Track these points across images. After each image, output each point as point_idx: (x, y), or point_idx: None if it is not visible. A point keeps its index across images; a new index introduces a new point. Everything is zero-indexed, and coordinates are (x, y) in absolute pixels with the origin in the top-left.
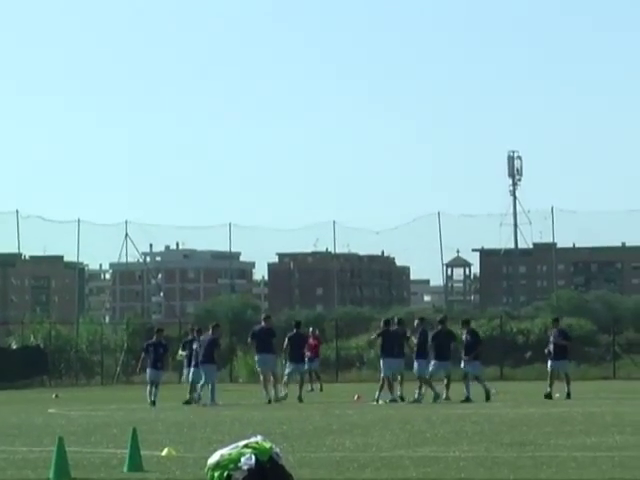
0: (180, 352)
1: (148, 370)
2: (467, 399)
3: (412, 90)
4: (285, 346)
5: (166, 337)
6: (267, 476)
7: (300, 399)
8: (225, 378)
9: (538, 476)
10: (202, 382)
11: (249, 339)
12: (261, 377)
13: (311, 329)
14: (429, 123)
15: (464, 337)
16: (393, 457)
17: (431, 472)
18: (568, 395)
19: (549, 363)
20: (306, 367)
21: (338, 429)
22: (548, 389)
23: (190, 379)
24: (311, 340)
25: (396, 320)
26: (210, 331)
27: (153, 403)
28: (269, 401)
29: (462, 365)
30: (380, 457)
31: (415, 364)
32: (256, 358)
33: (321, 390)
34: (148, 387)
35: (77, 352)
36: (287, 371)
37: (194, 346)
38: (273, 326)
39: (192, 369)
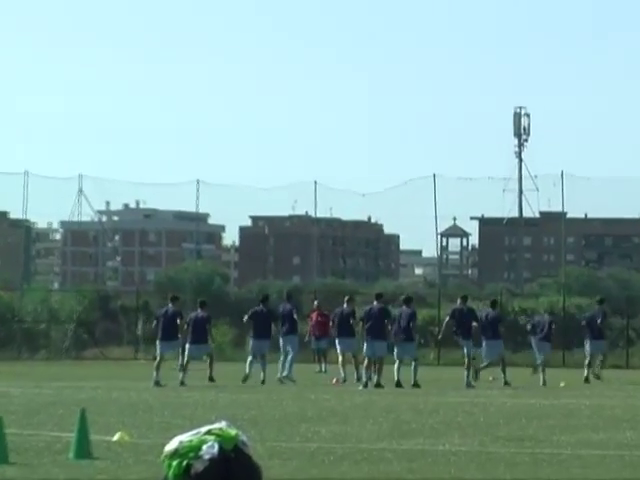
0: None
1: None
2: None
3: (405, 38)
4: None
5: (123, 307)
6: (231, 467)
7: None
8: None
9: (537, 475)
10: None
11: (330, 322)
12: (340, 358)
13: (316, 303)
14: (425, 74)
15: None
16: (374, 450)
17: (417, 467)
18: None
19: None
20: (313, 346)
21: (313, 416)
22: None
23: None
24: (316, 316)
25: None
26: (199, 309)
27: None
28: (344, 380)
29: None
30: (360, 449)
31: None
32: (337, 341)
33: (326, 372)
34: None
35: (21, 322)
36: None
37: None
38: (355, 308)
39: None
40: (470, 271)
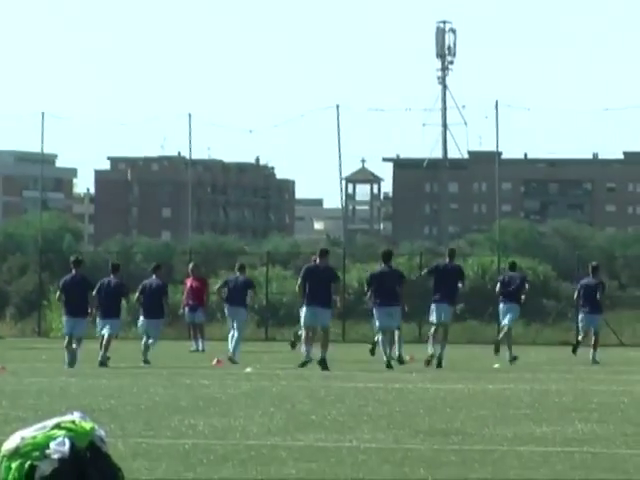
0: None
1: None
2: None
3: None
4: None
5: None
6: (85, 468)
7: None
8: (33, 331)
9: (466, 476)
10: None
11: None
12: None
13: (191, 265)
14: None
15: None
16: (264, 447)
17: (317, 468)
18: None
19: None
20: (187, 319)
21: (188, 406)
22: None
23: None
24: (191, 282)
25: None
26: (153, 275)
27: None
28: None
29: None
30: (246, 446)
31: None
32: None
33: (203, 350)
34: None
35: None
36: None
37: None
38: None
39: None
40: (382, 225)
